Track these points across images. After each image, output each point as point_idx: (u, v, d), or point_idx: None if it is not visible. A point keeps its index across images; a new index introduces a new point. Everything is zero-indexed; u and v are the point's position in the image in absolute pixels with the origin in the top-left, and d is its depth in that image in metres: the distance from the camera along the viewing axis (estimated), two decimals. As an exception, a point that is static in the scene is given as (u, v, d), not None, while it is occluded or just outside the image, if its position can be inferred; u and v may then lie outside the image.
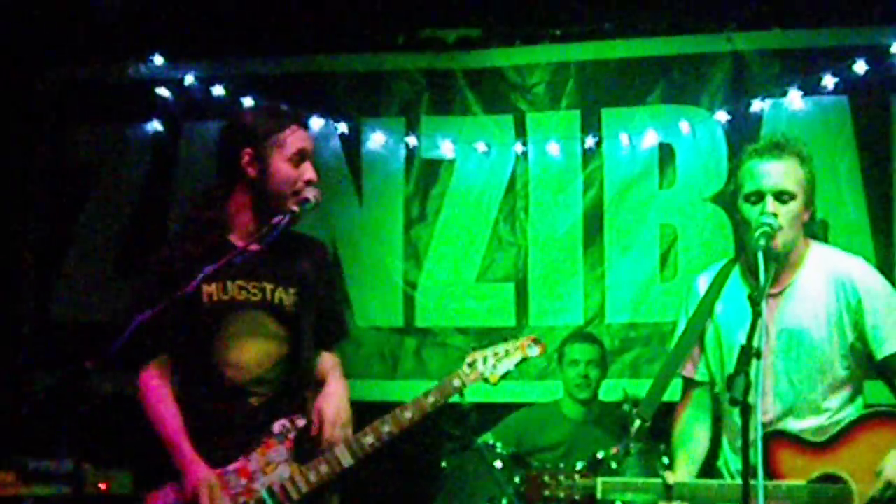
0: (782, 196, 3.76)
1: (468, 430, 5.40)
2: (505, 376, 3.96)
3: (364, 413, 6.54)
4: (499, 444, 5.30)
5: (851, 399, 3.87)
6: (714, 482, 3.87)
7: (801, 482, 3.68)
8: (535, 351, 4.02)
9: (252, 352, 3.83)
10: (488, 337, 4.35)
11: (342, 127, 6.88)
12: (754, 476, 3.22)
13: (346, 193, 6.82)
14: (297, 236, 3.96)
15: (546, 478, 3.89)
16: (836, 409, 3.84)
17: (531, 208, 6.75)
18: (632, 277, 6.59)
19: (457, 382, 3.93)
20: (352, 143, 6.90)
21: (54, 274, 7.03)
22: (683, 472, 3.93)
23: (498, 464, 5.27)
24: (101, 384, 3.67)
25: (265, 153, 3.81)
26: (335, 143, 6.90)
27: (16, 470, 5.49)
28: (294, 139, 3.83)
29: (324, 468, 3.77)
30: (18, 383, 6.83)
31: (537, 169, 6.75)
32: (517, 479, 5.23)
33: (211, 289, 3.77)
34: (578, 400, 5.97)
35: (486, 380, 3.94)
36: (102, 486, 5.53)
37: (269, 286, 3.82)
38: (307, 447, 3.80)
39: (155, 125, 7.02)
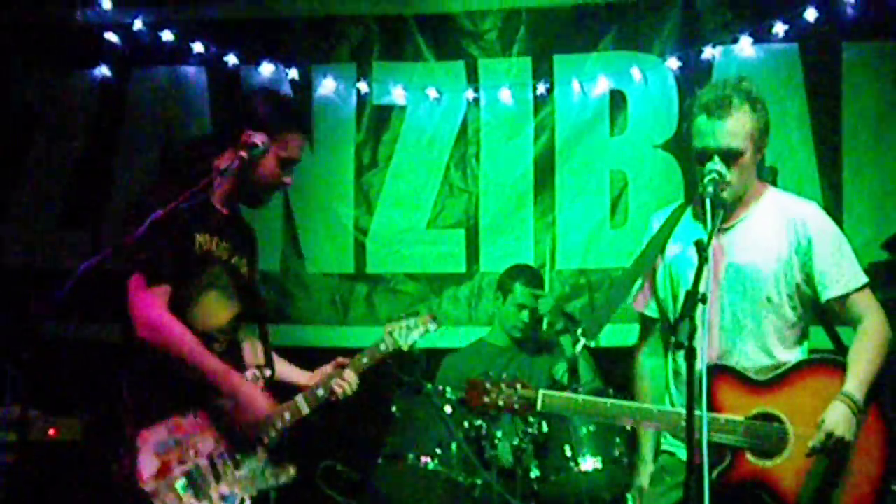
0: (729, 154, 3.76)
1: (418, 375, 5.40)
2: (413, 345, 4.40)
3: (315, 358, 6.61)
4: (448, 389, 5.33)
5: (797, 342, 3.89)
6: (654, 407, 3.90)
7: (738, 417, 3.70)
8: (433, 326, 4.48)
9: (220, 303, 3.97)
10: (406, 311, 4.57)
11: (293, 73, 6.87)
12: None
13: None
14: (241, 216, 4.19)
15: (487, 385, 3.84)
16: (782, 349, 3.86)
17: (482, 155, 6.78)
18: (582, 224, 6.63)
19: (383, 347, 4.37)
20: (303, 89, 6.88)
21: (1, 220, 7.00)
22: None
23: (447, 409, 5.28)
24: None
25: (267, 143, 3.95)
26: (286, 88, 6.83)
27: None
28: (295, 145, 4.02)
29: (287, 415, 4.04)
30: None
31: (489, 116, 6.77)
32: (466, 424, 5.26)
33: (202, 238, 3.87)
34: (512, 337, 6.02)
35: (400, 348, 4.39)
36: (51, 432, 5.54)
37: (233, 250, 3.98)
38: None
39: (103, 71, 6.97)
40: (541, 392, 3.80)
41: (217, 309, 3.98)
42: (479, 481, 5.22)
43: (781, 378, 3.79)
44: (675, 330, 3.36)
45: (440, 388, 5.34)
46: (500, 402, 3.81)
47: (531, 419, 5.19)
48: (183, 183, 3.85)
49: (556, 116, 6.71)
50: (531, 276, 6.11)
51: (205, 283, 3.92)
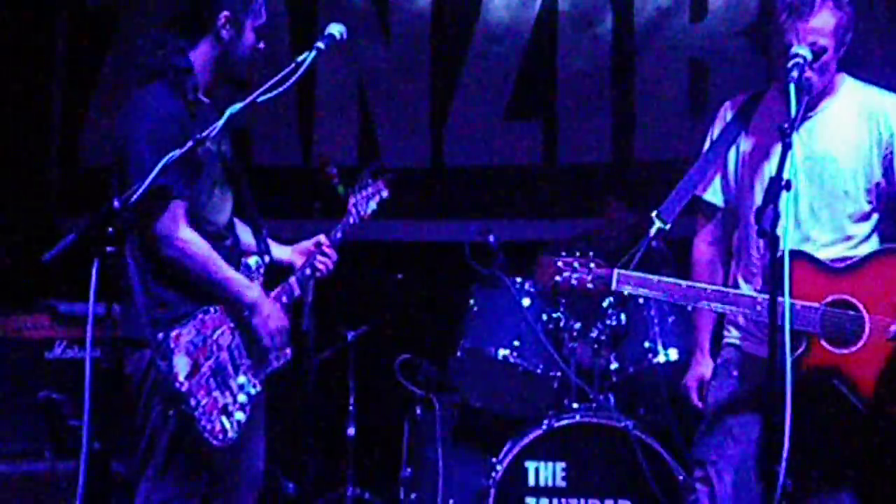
0: (816, 48, 3.70)
1: (496, 268, 5.46)
2: (372, 215, 4.35)
3: (389, 253, 6.67)
4: (528, 281, 5.36)
5: (871, 234, 3.87)
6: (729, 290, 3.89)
7: (815, 304, 3.69)
8: (386, 193, 4.43)
9: (223, 197, 3.97)
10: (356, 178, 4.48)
11: None
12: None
13: (372, 34, 6.80)
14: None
15: (560, 263, 3.82)
16: (856, 241, 3.84)
17: (560, 44, 6.75)
18: (661, 114, 6.63)
19: (351, 221, 4.28)
20: None
21: (81, 120, 7.07)
22: None
23: (526, 301, 5.32)
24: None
25: (242, 19, 3.92)
26: None
27: (48, 313, 5.61)
28: (263, 10, 3.98)
29: (284, 299, 4.04)
30: (49, 228, 6.96)
31: (566, 4, 6.73)
32: (544, 317, 5.33)
33: (199, 136, 3.74)
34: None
35: (363, 219, 4.33)
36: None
37: (220, 139, 3.91)
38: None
39: None
40: (616, 270, 3.77)
41: (221, 204, 3.98)
42: (557, 374, 5.29)
43: (857, 267, 3.77)
44: (758, 217, 3.32)
45: (518, 279, 5.34)
46: (574, 281, 3.79)
47: (610, 311, 5.26)
48: (170, 83, 3.86)
49: (635, 3, 6.67)
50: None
51: (207, 181, 3.90)
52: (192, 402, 3.76)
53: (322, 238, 4.16)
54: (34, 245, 6.79)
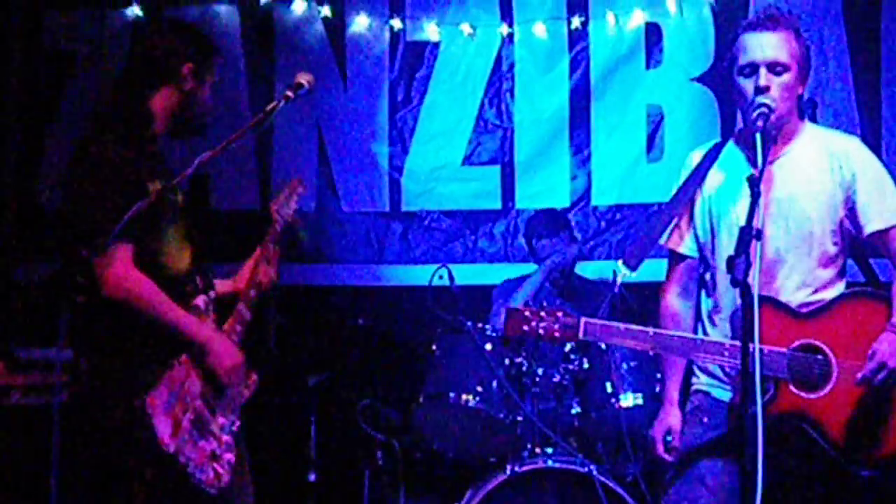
0: (776, 67, 3.76)
1: (458, 314, 5.45)
2: (295, 212, 4.36)
3: (352, 297, 6.67)
4: (488, 327, 5.37)
5: (838, 276, 3.89)
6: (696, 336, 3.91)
7: (782, 349, 3.71)
8: (301, 189, 4.44)
9: (181, 244, 3.98)
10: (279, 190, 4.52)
11: (325, 10, 6.84)
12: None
13: (330, 78, 6.78)
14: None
15: (528, 313, 3.82)
16: (824, 283, 3.85)
17: (517, 90, 6.77)
18: (618, 159, 6.64)
19: (278, 227, 4.28)
20: (336, 26, 6.87)
21: (37, 163, 7.00)
22: None
23: (488, 346, 5.31)
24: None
25: (203, 72, 4.06)
26: (318, 26, 6.87)
27: (4, 360, 5.54)
28: (217, 69, 4.15)
29: (238, 327, 4.06)
30: (3, 275, 6.86)
31: (523, 51, 6.76)
32: (507, 362, 5.30)
33: (153, 186, 3.82)
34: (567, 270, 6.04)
35: (288, 221, 4.33)
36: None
37: (172, 186, 3.90)
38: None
39: (135, 10, 6.91)
40: (583, 319, 3.77)
41: (180, 251, 3.98)
42: (519, 418, 5.27)
43: (823, 310, 3.78)
44: (729, 266, 3.34)
45: (480, 325, 5.35)
46: (541, 331, 3.79)
47: (572, 356, 5.25)
48: (126, 129, 3.91)
49: (592, 50, 6.68)
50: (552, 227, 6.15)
51: (163, 229, 3.92)
52: (183, 460, 3.75)
53: (257, 253, 4.17)
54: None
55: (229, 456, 3.89)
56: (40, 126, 7.02)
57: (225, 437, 3.91)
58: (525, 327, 3.80)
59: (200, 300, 3.98)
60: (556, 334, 3.79)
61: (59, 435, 5.24)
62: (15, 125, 7.06)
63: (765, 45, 3.78)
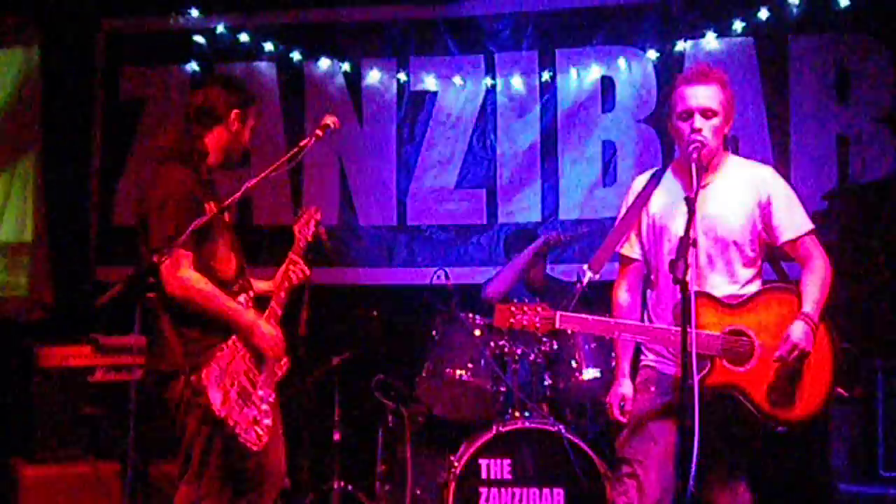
0: (707, 113, 3.78)
1: (452, 306, 5.43)
2: (316, 230, 4.24)
3: (367, 294, 6.65)
4: (477, 316, 5.36)
5: (755, 275, 3.90)
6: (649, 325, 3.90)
7: (715, 332, 3.72)
8: (318, 214, 4.29)
9: (228, 254, 4.00)
10: (298, 211, 4.41)
11: (345, 66, 6.84)
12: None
13: (349, 120, 6.75)
14: None
15: (513, 308, 3.82)
16: (745, 281, 3.87)
17: (499, 130, 6.74)
18: (580, 184, 6.62)
19: (302, 244, 4.18)
20: (353, 79, 6.86)
21: (115, 189, 7.00)
22: None
23: (477, 332, 5.32)
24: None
25: (246, 117, 4.10)
26: (340, 79, 6.87)
27: (90, 344, 5.57)
28: (257, 115, 4.19)
29: (272, 321, 4.01)
30: (89, 278, 6.88)
31: (503, 98, 6.74)
32: (492, 344, 5.30)
33: (209, 206, 3.87)
34: (542, 273, 6.00)
35: (309, 240, 4.22)
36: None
37: (222, 207, 3.90)
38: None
39: (192, 66, 6.95)
40: (558, 313, 3.79)
41: (227, 259, 3.99)
42: (502, 389, 5.28)
43: (746, 302, 3.80)
44: (671, 267, 3.36)
45: (470, 315, 5.34)
46: (525, 322, 3.79)
47: (544, 339, 5.24)
48: (187, 161, 3.95)
49: (558, 98, 6.67)
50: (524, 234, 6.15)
51: (216, 240, 3.94)
52: (231, 423, 3.79)
53: (286, 262, 4.12)
54: (77, 290, 6.77)
55: (267, 421, 3.91)
56: (117, 159, 7.01)
57: (264, 407, 3.92)
58: (512, 319, 3.81)
59: (242, 298, 3.99)
60: (538, 325, 3.80)
61: (135, 404, 5.28)
62: (97, 159, 7.07)
63: (698, 96, 3.80)
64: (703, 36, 6.43)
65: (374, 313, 5.85)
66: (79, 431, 5.46)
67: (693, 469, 3.30)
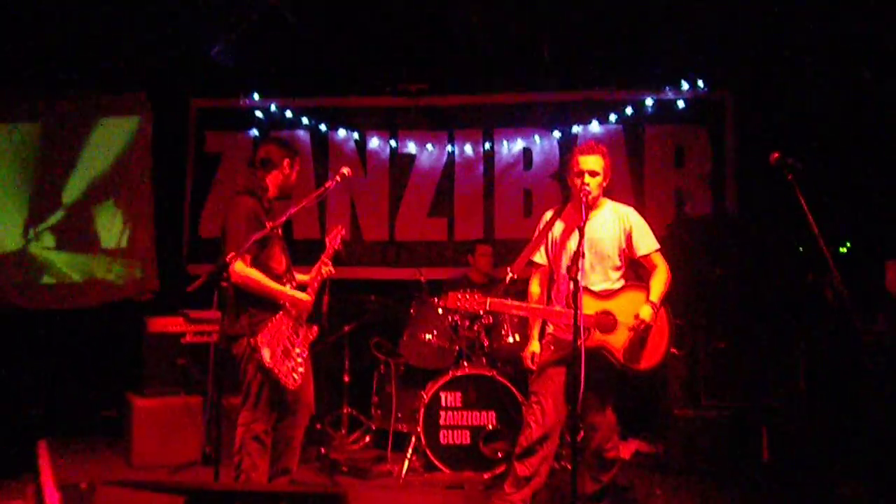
0: (592, 174, 3.83)
1: (424, 293, 5.47)
2: (342, 243, 4.05)
3: (367, 285, 6.64)
4: (438, 300, 5.28)
5: (621, 277, 3.91)
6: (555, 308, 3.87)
7: (591, 313, 3.75)
8: (343, 231, 4.10)
9: (281, 257, 3.92)
10: (328, 230, 4.30)
11: (355, 135, 6.80)
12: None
13: (357, 171, 6.69)
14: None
15: (459, 295, 3.76)
16: (614, 280, 3.89)
17: (456, 179, 6.74)
18: (508, 217, 6.62)
19: (331, 252, 4.02)
20: (361, 144, 6.81)
21: (200, 213, 6.92)
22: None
23: (440, 311, 5.32)
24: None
25: (293, 164, 4.01)
26: (351, 143, 6.80)
27: (183, 317, 5.52)
28: (299, 164, 4.05)
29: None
30: (182, 272, 6.81)
31: (460, 160, 6.74)
32: (450, 319, 5.27)
33: (268, 223, 3.83)
34: (483, 272, 6.00)
35: (337, 249, 4.03)
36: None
37: (277, 224, 3.87)
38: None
39: (254, 132, 6.88)
40: (489, 298, 3.81)
41: (280, 260, 3.92)
42: (457, 348, 5.29)
43: (613, 293, 3.85)
44: (568, 271, 3.43)
45: (435, 299, 5.32)
46: (466, 305, 3.79)
47: (483, 315, 5.21)
48: (253, 193, 3.89)
49: (494, 160, 6.68)
50: (486, 241, 6.20)
51: (272, 247, 3.88)
52: (276, 371, 3.73)
53: (319, 262, 4.02)
54: (174, 280, 6.73)
55: (302, 370, 3.83)
56: (202, 193, 6.92)
57: (299, 360, 3.83)
58: (458, 303, 3.79)
59: (288, 286, 3.93)
60: (476, 306, 3.79)
61: (212, 357, 5.30)
62: (188, 193, 6.97)
63: (589, 162, 3.83)
64: (589, 123, 6.51)
65: (373, 298, 5.82)
66: (174, 376, 5.41)
67: (579, 398, 3.37)
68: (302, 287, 3.99)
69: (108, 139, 6.83)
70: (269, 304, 3.78)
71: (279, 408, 3.85)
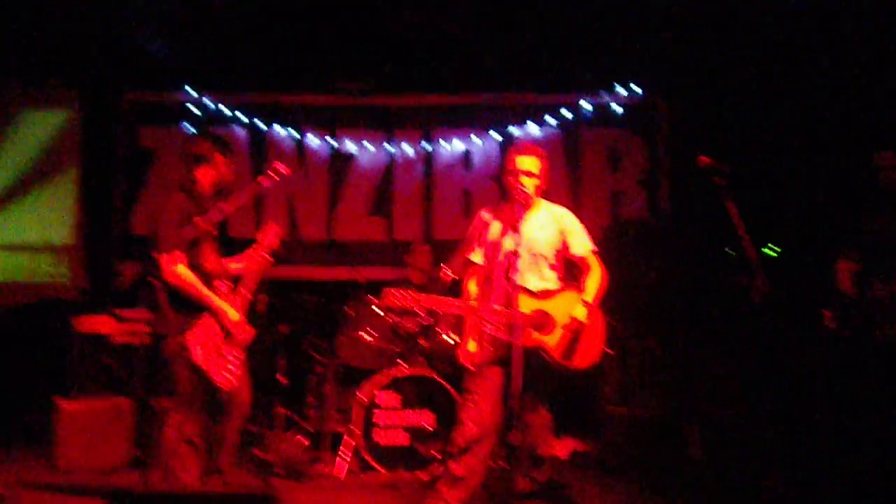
0: (529, 174, 3.83)
1: (362, 292, 5.45)
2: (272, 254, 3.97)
3: (305, 285, 6.52)
4: (375, 300, 5.27)
5: (559, 278, 3.95)
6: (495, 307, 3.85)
7: (527, 312, 3.76)
8: (272, 237, 4.00)
9: (213, 254, 3.90)
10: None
11: (294, 133, 6.74)
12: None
13: (296, 168, 6.62)
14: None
15: (396, 292, 3.76)
16: (550, 280, 3.91)
17: (395, 179, 6.74)
18: (448, 216, 6.61)
19: (265, 245, 3.96)
20: (301, 141, 6.76)
21: (132, 211, 6.77)
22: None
23: (377, 310, 5.31)
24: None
25: (226, 160, 3.95)
26: (290, 141, 6.73)
27: (111, 316, 5.41)
28: (233, 159, 3.98)
29: (242, 301, 3.85)
30: (111, 271, 6.67)
31: (400, 159, 6.74)
32: (389, 318, 5.27)
33: (198, 220, 3.75)
34: (422, 272, 5.96)
35: (272, 248, 3.97)
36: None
37: (208, 220, 3.80)
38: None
39: (188, 126, 6.76)
40: (424, 295, 3.81)
41: (212, 258, 3.88)
42: (396, 349, 5.29)
43: (550, 293, 3.87)
44: (504, 270, 3.47)
45: (374, 299, 5.29)
46: (402, 302, 3.77)
47: (421, 314, 5.19)
48: (183, 188, 3.82)
49: (433, 160, 6.70)
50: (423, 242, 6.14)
51: (204, 245, 3.83)
52: (207, 370, 3.69)
53: (259, 251, 3.97)
54: (105, 278, 6.56)
55: (234, 369, 3.79)
56: (134, 189, 6.78)
57: (232, 360, 3.79)
58: (396, 301, 3.76)
59: (221, 284, 3.89)
60: (412, 303, 3.77)
61: (141, 357, 5.15)
62: (119, 189, 6.82)
63: (526, 163, 3.84)
64: (526, 124, 6.56)
65: (311, 297, 5.77)
66: (102, 377, 5.30)
67: (516, 396, 3.39)
68: (236, 279, 3.92)
69: (33, 132, 6.64)
70: (199, 305, 3.75)
71: (212, 408, 3.81)
